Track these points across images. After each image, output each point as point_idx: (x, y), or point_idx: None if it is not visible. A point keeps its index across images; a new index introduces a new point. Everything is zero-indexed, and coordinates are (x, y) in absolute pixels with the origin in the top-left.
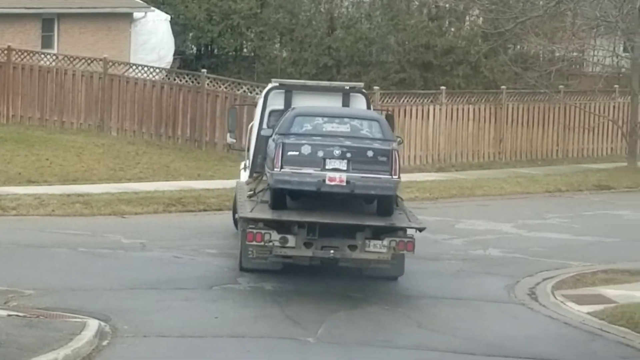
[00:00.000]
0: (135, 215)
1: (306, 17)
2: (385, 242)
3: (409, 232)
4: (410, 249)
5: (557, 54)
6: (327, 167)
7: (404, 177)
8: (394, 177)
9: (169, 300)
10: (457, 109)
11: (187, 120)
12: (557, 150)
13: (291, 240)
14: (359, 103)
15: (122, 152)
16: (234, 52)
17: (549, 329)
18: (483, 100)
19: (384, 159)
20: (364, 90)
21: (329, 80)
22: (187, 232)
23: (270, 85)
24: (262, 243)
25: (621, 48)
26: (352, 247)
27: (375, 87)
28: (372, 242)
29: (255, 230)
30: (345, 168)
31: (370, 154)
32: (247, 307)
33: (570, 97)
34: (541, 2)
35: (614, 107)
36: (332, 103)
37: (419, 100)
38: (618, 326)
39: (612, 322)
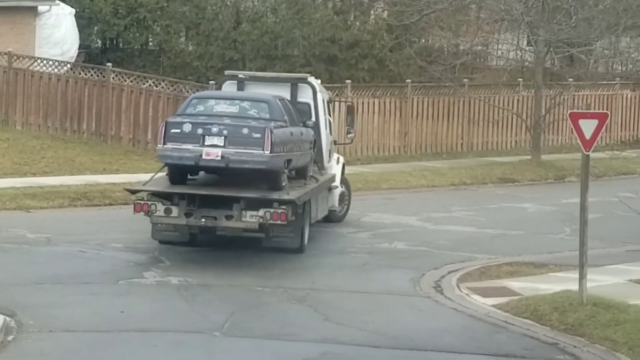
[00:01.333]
0: (40, 209)
1: (212, 10)
2: (261, 212)
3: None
4: (284, 219)
5: (462, 48)
6: (205, 143)
7: None
8: (265, 152)
9: (74, 294)
10: (363, 103)
11: (93, 114)
12: (462, 144)
13: (174, 211)
14: (305, 92)
15: (27, 146)
16: (139, 46)
17: (454, 321)
18: (388, 93)
19: (258, 135)
20: (309, 80)
21: None
22: (92, 226)
23: (225, 77)
24: (154, 212)
25: (525, 42)
26: (229, 217)
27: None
28: (249, 212)
29: (142, 202)
30: (222, 144)
31: (245, 131)
32: (153, 302)
33: (474, 91)
34: None
35: (518, 100)
36: (281, 92)
37: None
38: (522, 318)
39: (516, 314)
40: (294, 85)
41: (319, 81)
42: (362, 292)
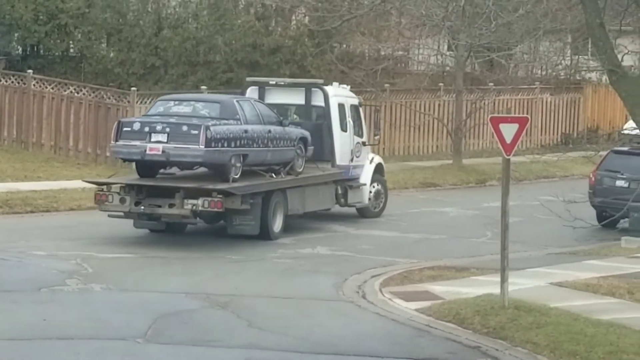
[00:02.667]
0: None
1: (134, 17)
2: (199, 201)
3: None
4: (220, 207)
5: (383, 53)
6: (151, 140)
7: None
8: (201, 147)
9: None
10: None
11: (14, 121)
12: (383, 149)
13: (128, 200)
14: (318, 96)
15: None
16: (61, 53)
17: (377, 325)
18: None
19: (195, 132)
20: (322, 86)
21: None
22: (14, 234)
23: (247, 83)
24: (110, 202)
25: (446, 47)
26: (171, 205)
27: (203, 87)
28: (190, 201)
29: (101, 193)
30: (165, 140)
31: (185, 128)
32: (76, 309)
33: (396, 96)
34: (367, 1)
35: (439, 105)
36: (297, 97)
37: None
38: (445, 322)
39: (439, 318)
40: (308, 90)
41: (349, 87)
42: (286, 297)
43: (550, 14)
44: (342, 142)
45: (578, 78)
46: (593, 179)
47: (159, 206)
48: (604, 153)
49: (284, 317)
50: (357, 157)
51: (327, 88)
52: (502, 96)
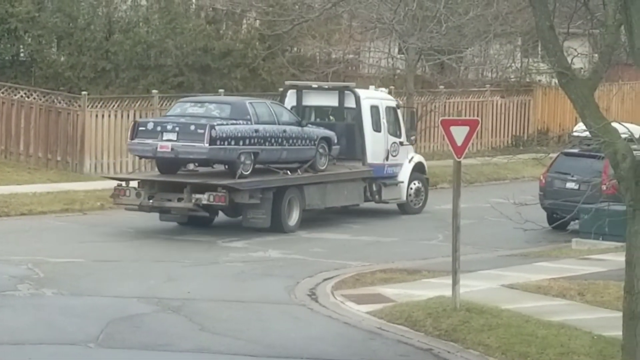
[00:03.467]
0: None
1: (84, 20)
2: (205, 195)
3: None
4: (223, 201)
5: (334, 56)
6: (163, 138)
7: None
8: (205, 145)
9: None
10: None
11: None
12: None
13: (142, 194)
14: (350, 99)
15: None
16: (10, 57)
17: (329, 328)
18: None
19: (201, 131)
20: (354, 89)
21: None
22: None
23: (286, 87)
24: (126, 196)
25: (396, 50)
26: (180, 199)
27: (154, 91)
28: (197, 195)
29: (121, 187)
30: (174, 139)
31: (192, 128)
32: (27, 314)
33: None
34: (317, 5)
35: None
36: (331, 99)
37: None
38: (397, 324)
39: (391, 321)
40: (341, 93)
41: (386, 90)
42: (238, 301)
43: (501, 17)
44: (375, 141)
45: (528, 81)
46: (543, 181)
47: (169, 200)
48: (554, 155)
49: (236, 320)
50: (394, 156)
51: (359, 91)
52: (452, 99)
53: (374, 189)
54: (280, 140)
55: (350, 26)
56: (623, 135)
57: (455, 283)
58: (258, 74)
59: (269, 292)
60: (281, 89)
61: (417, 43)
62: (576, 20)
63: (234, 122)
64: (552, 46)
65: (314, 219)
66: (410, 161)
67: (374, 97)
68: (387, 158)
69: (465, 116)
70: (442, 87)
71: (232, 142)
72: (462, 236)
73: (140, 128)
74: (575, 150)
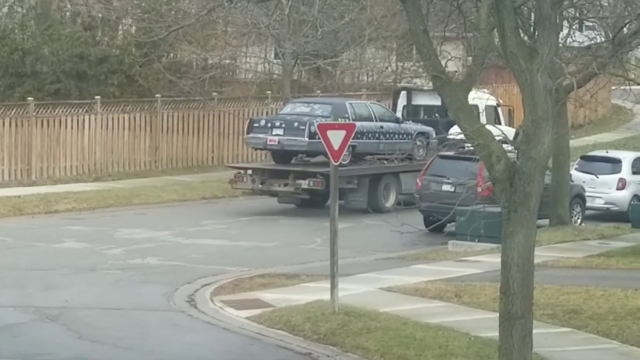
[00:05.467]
0: None
1: None
2: (307, 181)
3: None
4: (320, 186)
5: (211, 62)
6: (272, 133)
7: (61, 188)
8: (305, 139)
9: None
10: (113, 118)
11: None
12: (212, 157)
13: (256, 180)
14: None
15: None
16: None
17: (209, 334)
18: (138, 109)
19: (303, 127)
20: None
21: None
22: None
23: (399, 88)
24: (243, 182)
25: (273, 54)
26: (285, 184)
27: (30, 99)
28: (299, 180)
29: (240, 174)
30: (282, 134)
31: (296, 124)
32: None
33: (224, 104)
34: (193, 11)
35: (267, 112)
36: (436, 99)
37: (74, 111)
38: (276, 329)
39: (270, 326)
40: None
41: (487, 92)
42: (116, 308)
43: (376, 21)
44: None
45: (404, 84)
46: (420, 183)
47: (277, 185)
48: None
49: (114, 328)
50: None
51: None
52: None
53: None
54: (377, 134)
55: (226, 31)
56: (497, 138)
57: (333, 287)
58: (135, 80)
59: (148, 299)
60: (396, 89)
61: (293, 48)
62: (450, 24)
63: (330, 119)
64: (427, 50)
65: (192, 225)
66: None
67: (473, 97)
68: None
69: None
70: (318, 91)
71: None
72: (340, 240)
73: (255, 125)
74: (451, 153)
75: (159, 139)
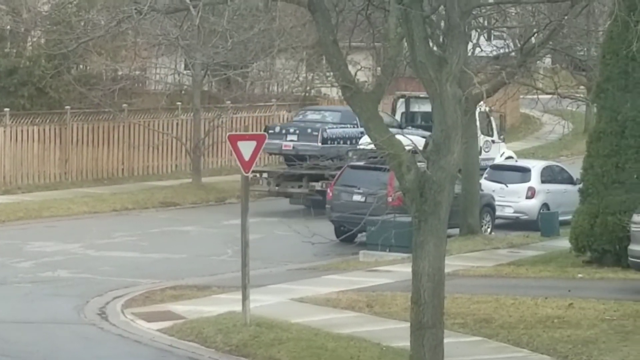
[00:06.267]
0: None
1: None
2: (319, 183)
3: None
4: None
5: (120, 73)
6: (287, 139)
7: None
8: (318, 144)
9: None
10: (22, 131)
11: None
12: (122, 169)
13: (272, 182)
14: None
15: None
16: None
17: (120, 347)
18: (48, 120)
19: (315, 133)
20: None
21: None
22: None
23: (398, 96)
24: (259, 184)
25: (183, 65)
26: (300, 186)
27: None
28: (312, 183)
29: (257, 177)
30: (296, 139)
31: (309, 130)
32: None
33: (134, 116)
34: (103, 22)
35: (177, 124)
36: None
37: None
38: (188, 341)
39: (181, 338)
40: None
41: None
42: (27, 322)
43: (285, 32)
44: None
45: (315, 94)
46: (330, 194)
47: (292, 187)
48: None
49: (25, 342)
50: (487, 151)
51: None
52: (239, 114)
53: None
54: None
55: (136, 43)
56: (407, 148)
57: (245, 298)
58: (45, 92)
59: (59, 312)
60: (394, 97)
61: (203, 59)
62: (359, 34)
63: (343, 126)
64: (336, 60)
65: (102, 238)
66: (501, 156)
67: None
68: (479, 153)
69: (252, 131)
70: (228, 102)
71: (340, 142)
72: (251, 251)
73: (270, 131)
74: (361, 163)
75: (68, 151)
